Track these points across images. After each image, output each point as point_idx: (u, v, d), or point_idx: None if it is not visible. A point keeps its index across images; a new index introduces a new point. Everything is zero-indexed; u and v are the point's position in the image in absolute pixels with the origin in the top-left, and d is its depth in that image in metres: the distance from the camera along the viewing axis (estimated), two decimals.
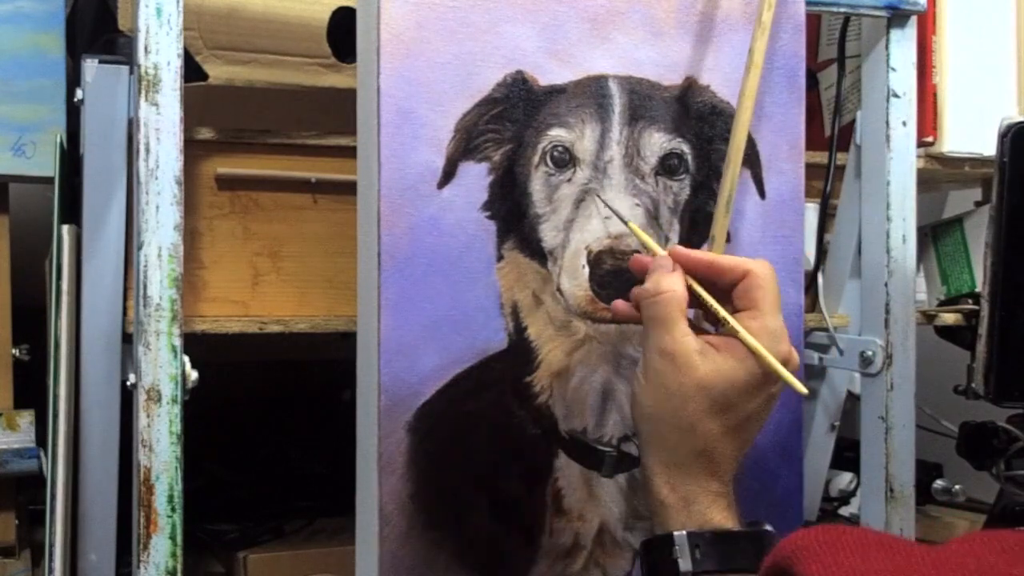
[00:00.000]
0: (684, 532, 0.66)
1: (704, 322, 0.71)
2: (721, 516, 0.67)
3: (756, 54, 0.76)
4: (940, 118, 1.07)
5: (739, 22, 0.81)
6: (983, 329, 0.85)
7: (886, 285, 0.93)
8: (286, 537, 1.08)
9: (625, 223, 0.74)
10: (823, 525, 0.64)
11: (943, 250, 1.18)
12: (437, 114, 0.73)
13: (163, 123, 0.74)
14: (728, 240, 0.80)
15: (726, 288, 0.69)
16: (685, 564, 0.66)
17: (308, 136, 0.91)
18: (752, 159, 0.81)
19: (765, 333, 0.67)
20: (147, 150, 0.74)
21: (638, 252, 0.75)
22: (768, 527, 0.68)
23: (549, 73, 0.76)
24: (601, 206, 0.75)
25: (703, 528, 0.66)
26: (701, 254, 0.70)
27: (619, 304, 0.71)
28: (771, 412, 0.69)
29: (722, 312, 0.68)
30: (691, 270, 0.69)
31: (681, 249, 0.70)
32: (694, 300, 0.69)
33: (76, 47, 0.99)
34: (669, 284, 0.68)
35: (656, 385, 0.67)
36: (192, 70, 0.90)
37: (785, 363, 0.67)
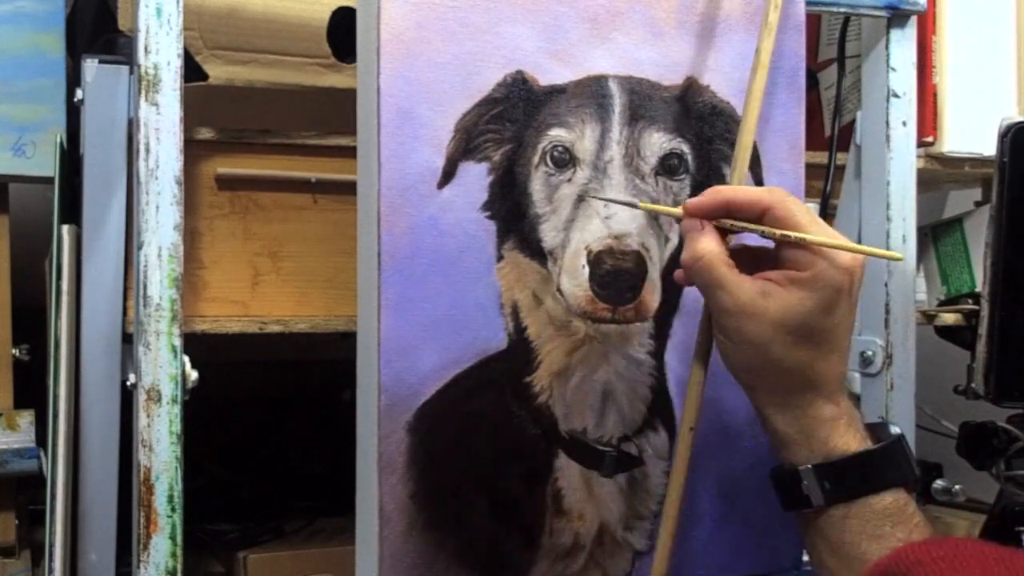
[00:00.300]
0: (809, 466, 0.68)
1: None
2: (843, 440, 0.68)
3: (763, 54, 0.76)
4: (940, 118, 1.07)
5: (739, 22, 0.81)
6: (983, 329, 0.86)
7: (886, 285, 0.93)
8: (286, 537, 1.08)
9: (633, 205, 0.75)
10: (935, 539, 0.64)
11: (943, 250, 1.18)
12: (437, 114, 0.73)
13: (163, 123, 0.74)
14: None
15: (754, 221, 0.69)
16: (816, 498, 0.68)
17: (308, 136, 0.91)
18: (752, 159, 0.81)
19: (823, 234, 0.67)
20: (147, 150, 0.74)
21: (639, 252, 0.75)
22: (894, 427, 0.70)
23: (549, 73, 0.76)
24: (600, 205, 0.75)
25: (828, 458, 0.67)
26: (716, 197, 0.70)
27: (678, 273, 0.72)
28: (855, 314, 0.69)
29: (776, 232, 0.68)
30: (711, 216, 0.69)
31: (695, 202, 0.70)
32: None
33: (76, 47, 0.99)
34: (703, 246, 0.68)
35: (736, 340, 0.68)
36: (192, 70, 0.90)
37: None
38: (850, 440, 0.68)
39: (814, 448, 0.68)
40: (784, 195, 0.69)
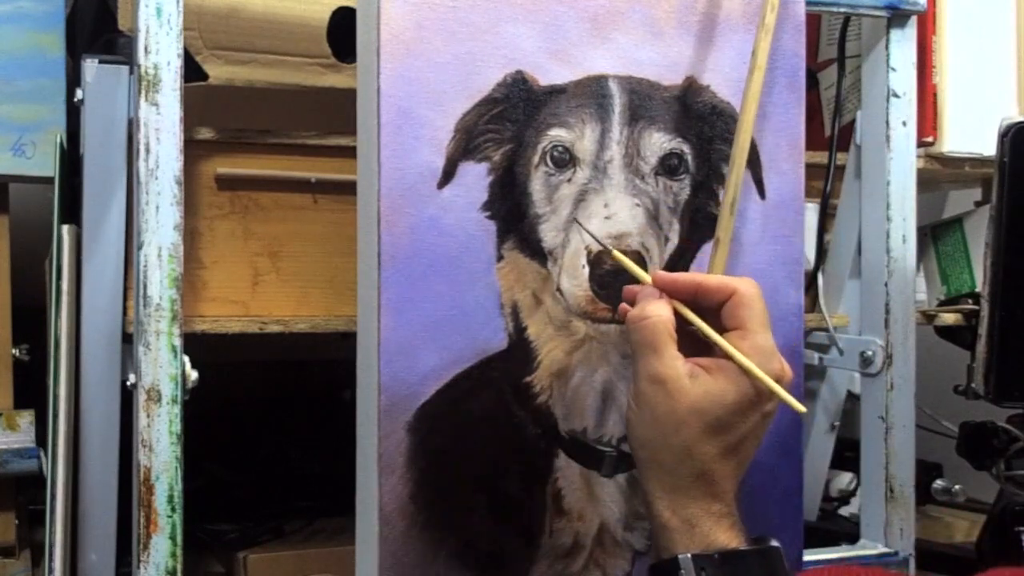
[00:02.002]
0: (689, 555, 0.65)
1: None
2: (726, 536, 0.66)
3: (760, 55, 0.76)
4: (940, 118, 1.07)
5: (739, 22, 0.81)
6: (983, 329, 0.86)
7: (886, 285, 0.93)
8: (286, 537, 1.07)
9: (608, 251, 0.74)
10: (833, 567, 0.63)
11: (943, 250, 1.18)
12: (437, 114, 0.73)
13: (163, 123, 0.74)
14: None
15: (714, 308, 0.69)
16: None
17: (308, 136, 0.91)
18: (752, 159, 0.81)
19: (755, 351, 0.66)
20: (147, 150, 0.74)
21: (638, 252, 0.75)
22: (775, 543, 0.68)
23: (549, 73, 0.76)
24: (600, 205, 0.75)
25: (708, 550, 0.66)
26: (686, 277, 0.70)
27: (625, 307, 0.71)
28: (767, 430, 0.68)
29: (711, 333, 0.67)
30: (677, 294, 0.69)
31: (665, 275, 0.70)
32: (683, 323, 0.68)
33: (76, 47, 0.99)
34: (654, 310, 0.67)
35: (649, 411, 0.67)
36: (192, 70, 0.90)
37: (778, 380, 0.66)
38: (732, 538, 0.67)
39: (695, 538, 0.66)
40: (755, 289, 0.68)
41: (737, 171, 0.74)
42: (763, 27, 0.76)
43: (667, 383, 0.66)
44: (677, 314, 0.68)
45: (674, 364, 0.66)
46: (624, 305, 0.71)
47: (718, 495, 0.67)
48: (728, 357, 0.66)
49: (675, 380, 0.66)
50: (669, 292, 0.69)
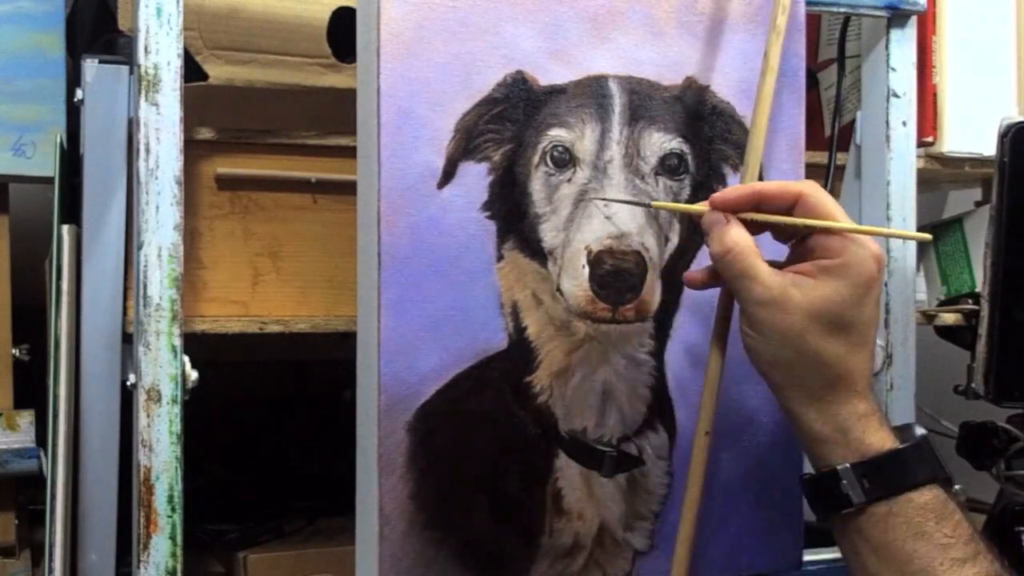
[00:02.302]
0: (847, 464, 0.67)
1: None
2: (877, 437, 0.68)
3: (771, 58, 0.76)
4: (940, 118, 1.07)
5: (739, 22, 0.81)
6: (983, 329, 0.86)
7: (886, 285, 0.93)
8: (286, 537, 1.07)
9: (647, 205, 0.74)
10: None
11: (943, 250, 1.18)
12: (437, 114, 0.73)
13: (163, 123, 0.74)
14: None
15: (783, 211, 0.69)
16: (857, 496, 0.67)
17: (308, 136, 0.91)
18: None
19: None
20: (147, 150, 0.74)
21: (639, 252, 0.75)
22: (920, 430, 0.71)
23: (549, 73, 0.76)
24: (600, 204, 0.75)
25: (864, 456, 0.67)
26: (745, 189, 0.70)
27: (690, 274, 0.73)
28: (881, 309, 0.70)
29: (810, 222, 0.68)
30: (739, 210, 0.69)
31: (720, 196, 0.70)
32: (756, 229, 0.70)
33: (76, 47, 0.99)
34: (732, 237, 0.68)
35: (768, 333, 0.67)
36: (192, 70, 0.90)
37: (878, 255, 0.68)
38: (884, 437, 0.68)
39: (851, 446, 0.68)
40: (816, 186, 0.69)
41: (751, 173, 0.75)
42: (774, 29, 0.76)
43: (776, 300, 0.66)
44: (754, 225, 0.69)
45: (775, 281, 0.67)
46: (689, 272, 0.73)
47: (860, 392, 0.68)
48: (830, 232, 0.67)
49: (783, 295, 0.66)
50: (731, 210, 0.69)
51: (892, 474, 0.67)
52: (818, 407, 0.68)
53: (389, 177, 0.71)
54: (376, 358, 0.71)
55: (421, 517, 0.73)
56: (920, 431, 0.70)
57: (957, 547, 0.67)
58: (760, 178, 0.81)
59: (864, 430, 0.68)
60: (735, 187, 0.71)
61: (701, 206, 0.71)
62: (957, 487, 1.17)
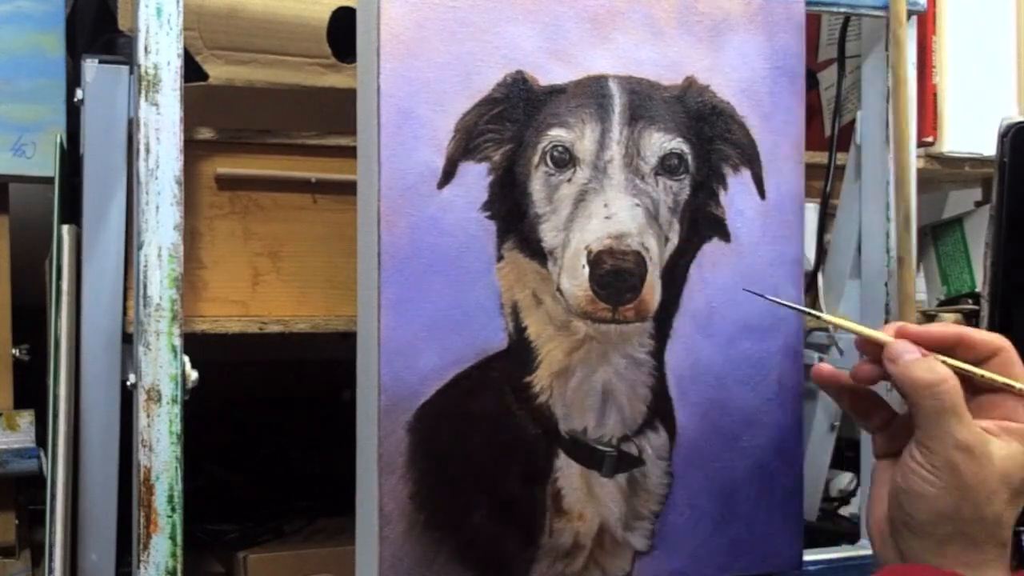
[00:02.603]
0: None
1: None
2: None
3: (899, 70, 0.75)
4: (940, 118, 1.07)
5: (739, 22, 0.81)
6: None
7: (886, 285, 0.93)
8: (286, 537, 1.08)
9: (818, 317, 0.71)
10: (903, 566, 0.64)
11: (943, 250, 1.18)
12: (437, 114, 0.73)
13: (163, 123, 0.74)
14: (728, 240, 0.80)
15: (981, 360, 0.66)
16: None
17: (308, 136, 0.91)
18: (752, 159, 0.81)
19: None
20: (147, 150, 0.74)
21: (639, 252, 0.75)
22: None
23: (549, 73, 0.76)
24: (600, 204, 0.75)
25: None
26: (952, 331, 0.66)
27: (861, 369, 0.68)
28: None
29: (1014, 383, 0.65)
30: (937, 347, 0.66)
31: (924, 331, 0.66)
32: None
33: (76, 47, 0.99)
34: (944, 371, 0.63)
35: (956, 482, 0.62)
36: (192, 70, 0.90)
37: None
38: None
39: None
40: (1010, 345, 0.66)
41: (906, 189, 0.73)
42: (895, 43, 0.75)
43: (974, 450, 0.62)
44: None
45: (978, 430, 0.63)
46: (861, 367, 0.69)
47: (1002, 543, 0.64)
48: (1020, 396, 0.64)
49: (982, 447, 0.62)
50: (929, 346, 0.65)
51: None
52: (965, 555, 0.64)
53: (389, 177, 0.71)
54: (376, 358, 0.72)
55: (421, 517, 0.73)
56: None
57: None
58: (759, 179, 0.81)
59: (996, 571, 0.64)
60: (940, 327, 0.67)
61: (888, 337, 0.67)
62: None
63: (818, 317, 0.73)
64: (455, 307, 0.73)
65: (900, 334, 0.66)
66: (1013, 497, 0.63)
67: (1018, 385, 0.65)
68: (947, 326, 0.67)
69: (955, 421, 0.63)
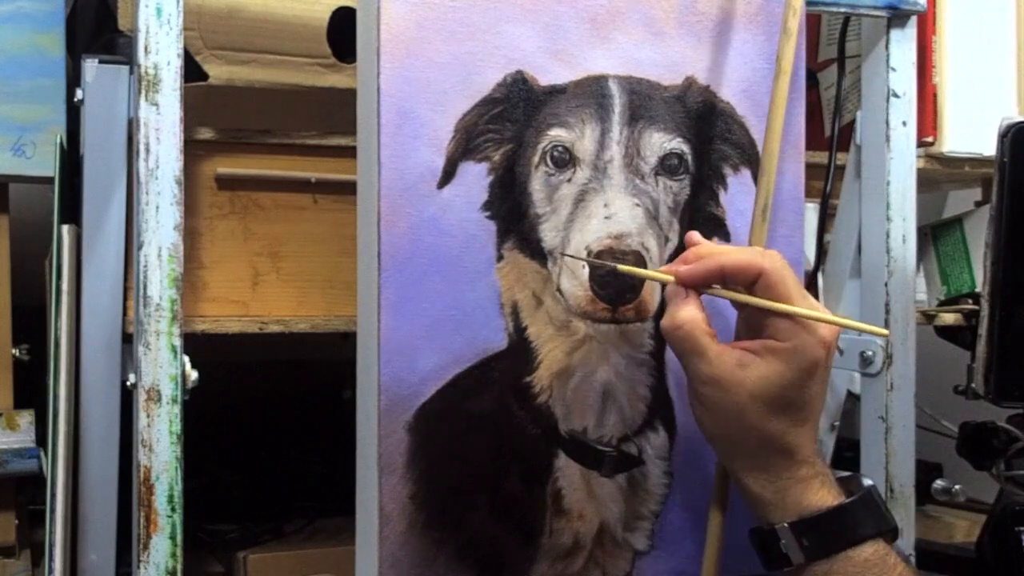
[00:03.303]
0: (785, 524, 0.68)
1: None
2: (816, 497, 0.68)
3: (783, 61, 0.77)
4: (940, 118, 1.07)
5: (739, 22, 0.81)
6: (983, 329, 0.85)
7: (886, 285, 0.93)
8: (286, 537, 1.08)
9: (613, 268, 0.73)
10: None
11: (943, 250, 1.18)
12: (437, 114, 0.73)
13: (163, 123, 0.74)
14: (728, 240, 0.80)
15: (745, 285, 0.70)
16: (796, 556, 0.68)
17: (308, 136, 0.91)
18: (752, 159, 0.81)
19: (807, 306, 0.68)
20: (147, 150, 0.74)
21: (638, 252, 0.75)
22: (867, 481, 0.70)
23: (549, 73, 0.76)
24: (600, 204, 0.75)
25: (803, 515, 0.68)
26: (708, 265, 0.70)
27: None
28: (828, 385, 0.70)
29: (763, 303, 0.68)
30: (703, 284, 0.70)
31: (686, 270, 0.70)
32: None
33: (76, 47, 0.99)
34: (683, 315, 0.69)
35: (712, 409, 0.69)
36: (192, 70, 0.90)
37: (828, 340, 0.68)
38: (824, 495, 0.68)
39: (788, 506, 0.68)
40: (780, 262, 0.69)
41: (768, 179, 0.75)
42: (785, 32, 0.77)
43: (720, 380, 0.68)
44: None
45: (720, 361, 0.68)
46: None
47: (801, 460, 0.69)
48: (792, 317, 0.67)
49: (727, 375, 0.67)
50: (694, 285, 0.70)
51: (830, 532, 0.67)
52: (759, 474, 0.69)
53: (389, 177, 0.71)
54: (376, 358, 0.72)
55: (421, 517, 0.73)
56: (867, 481, 0.70)
57: None
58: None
59: (804, 491, 0.68)
60: (700, 264, 0.70)
61: (667, 276, 0.71)
62: (957, 487, 1.17)
63: (614, 268, 0.73)
64: (455, 307, 0.73)
65: (678, 278, 0.70)
66: (773, 411, 0.67)
67: (772, 306, 0.68)
68: (710, 260, 0.70)
69: (696, 359, 0.68)
